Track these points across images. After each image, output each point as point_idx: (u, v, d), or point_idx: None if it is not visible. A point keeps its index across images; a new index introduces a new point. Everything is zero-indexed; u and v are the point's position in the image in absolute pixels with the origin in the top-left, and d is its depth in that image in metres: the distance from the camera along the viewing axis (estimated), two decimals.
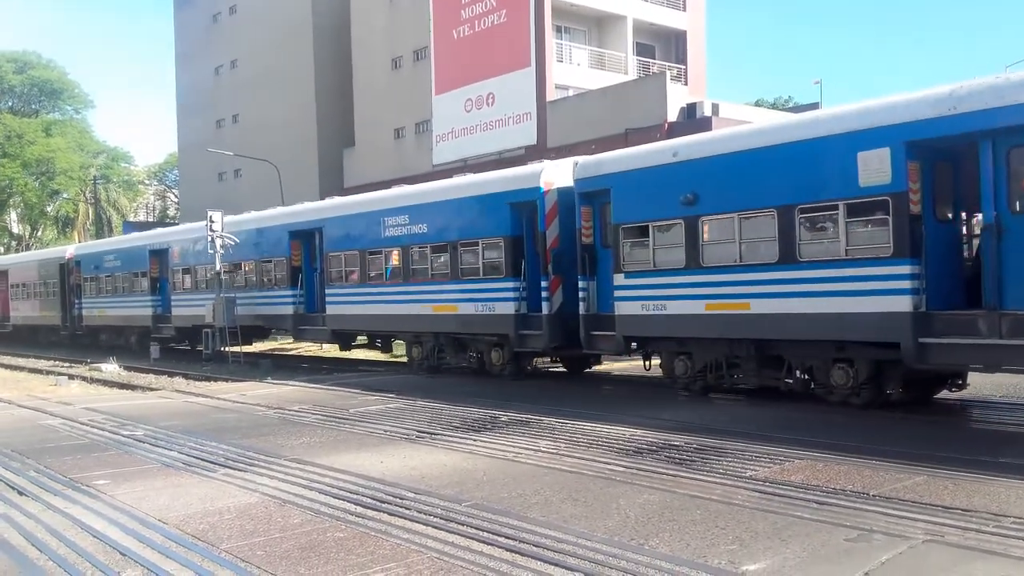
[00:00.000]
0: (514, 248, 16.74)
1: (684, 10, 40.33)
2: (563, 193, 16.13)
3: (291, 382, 18.80)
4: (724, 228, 13.11)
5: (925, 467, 8.31)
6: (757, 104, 53.01)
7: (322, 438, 11.32)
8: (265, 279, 24.12)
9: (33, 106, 72.71)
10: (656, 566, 5.73)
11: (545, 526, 6.73)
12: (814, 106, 33.64)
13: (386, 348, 22.41)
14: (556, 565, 5.81)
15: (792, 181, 12.08)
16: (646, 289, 14.16)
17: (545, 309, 16.12)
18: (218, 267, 24.41)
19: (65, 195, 70.62)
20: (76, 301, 34.37)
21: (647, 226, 14.16)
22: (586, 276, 15.47)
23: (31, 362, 29.55)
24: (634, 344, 15.02)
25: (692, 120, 29.53)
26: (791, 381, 12.94)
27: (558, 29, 37.51)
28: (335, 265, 21.37)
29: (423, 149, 40.89)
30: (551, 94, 35.63)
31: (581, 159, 16.04)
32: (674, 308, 13.70)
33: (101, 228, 66.97)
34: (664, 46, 40.95)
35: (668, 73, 33.84)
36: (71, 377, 23.20)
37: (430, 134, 40.58)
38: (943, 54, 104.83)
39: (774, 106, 54.30)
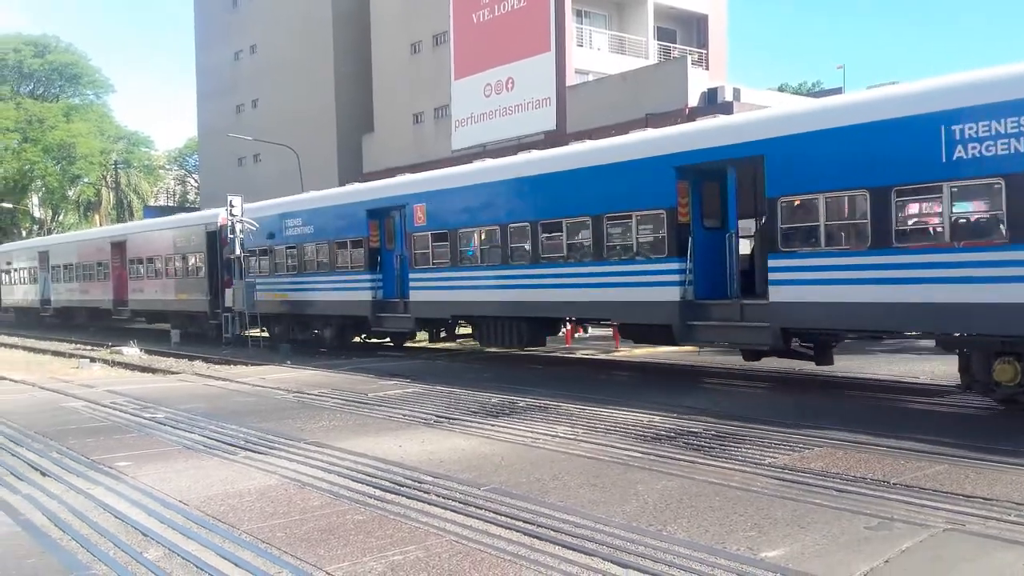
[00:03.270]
0: None
1: None
2: None
3: (309, 367, 18.89)
4: None
5: (946, 456, 8.25)
6: (781, 89, 52.48)
7: (341, 422, 11.37)
8: (615, 245, 14.99)
9: (53, 91, 73.04)
10: (675, 552, 5.72)
11: (563, 511, 6.74)
12: (838, 91, 33.31)
13: (822, 357, 13.62)
14: (574, 550, 5.81)
15: None
16: None
17: None
18: (238, 251, 24.41)
19: (86, 180, 71.03)
20: (237, 280, 26.05)
21: None
22: None
23: (54, 345, 29.82)
24: None
25: (713, 105, 29.30)
26: None
27: (578, 13, 37.27)
28: (804, 216, 12.37)
29: (442, 134, 40.84)
30: (571, 79, 35.43)
31: None
32: None
33: (122, 213, 67.40)
34: (685, 30, 40.61)
35: (689, 57, 33.55)
36: (93, 360, 23.40)
37: (449, 119, 40.50)
38: (969, 38, 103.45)
39: (797, 91, 53.73)
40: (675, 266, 14.00)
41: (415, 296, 19.45)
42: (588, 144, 16.97)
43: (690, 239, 13.94)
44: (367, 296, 20.87)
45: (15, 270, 45.00)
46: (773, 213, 12.57)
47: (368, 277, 20.75)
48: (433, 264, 18.95)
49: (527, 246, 16.64)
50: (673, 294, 13.99)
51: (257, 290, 24.55)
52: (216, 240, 26.93)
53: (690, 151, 13.92)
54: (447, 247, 18.57)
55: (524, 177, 16.99)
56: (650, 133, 16.35)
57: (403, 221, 19.95)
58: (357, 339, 23.70)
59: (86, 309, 37.38)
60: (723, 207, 14.06)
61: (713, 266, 14.02)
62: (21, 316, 44.92)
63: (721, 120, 14.68)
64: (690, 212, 14.13)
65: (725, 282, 13.96)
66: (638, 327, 15.55)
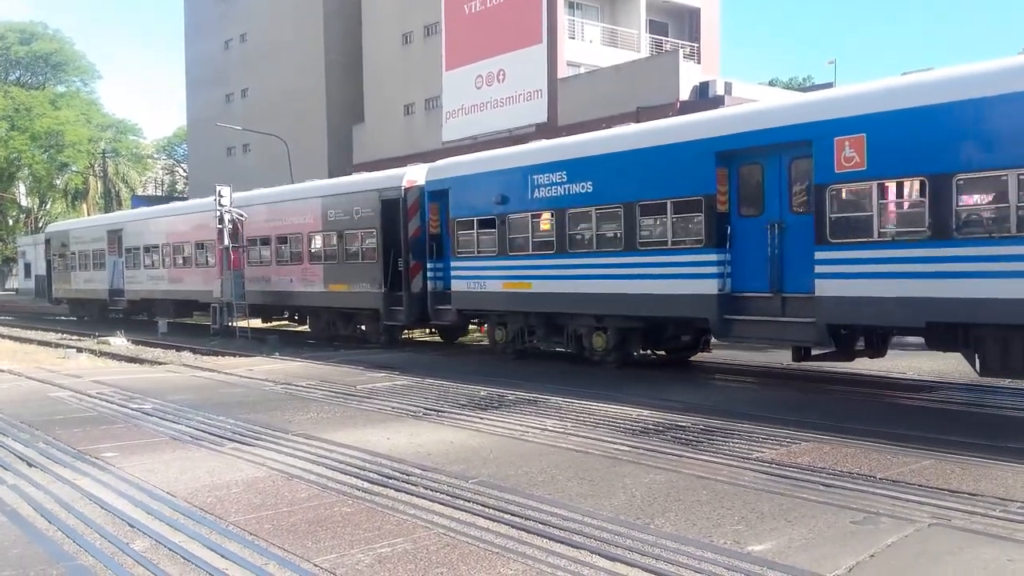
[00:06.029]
0: None
1: None
2: None
3: (298, 358, 18.84)
4: None
5: (932, 451, 8.30)
6: (771, 84, 52.55)
7: (329, 414, 11.35)
8: None
9: (40, 78, 72.56)
10: (662, 545, 5.74)
11: (551, 504, 6.75)
12: (828, 85, 33.34)
13: None
14: (562, 542, 5.83)
15: None
16: None
17: None
18: (226, 242, 24.20)
19: (74, 168, 70.62)
20: (431, 264, 19.23)
21: None
22: None
23: (40, 334, 29.64)
24: None
25: (704, 99, 29.30)
26: None
27: (570, 5, 37.22)
28: None
29: (433, 125, 40.72)
30: (562, 71, 35.37)
31: None
32: None
33: (110, 202, 67.03)
34: (677, 23, 40.61)
35: (681, 51, 33.54)
36: (80, 350, 23.28)
37: (440, 110, 40.39)
38: (963, 29, 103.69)
39: (788, 86, 53.82)
40: None
41: (825, 288, 11.71)
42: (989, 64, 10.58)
43: None
44: (709, 287, 13.34)
45: (72, 254, 36.40)
46: None
47: (713, 258, 13.30)
48: (880, 237, 11.23)
49: None
50: None
51: (461, 276, 18.17)
52: (399, 210, 19.74)
53: None
54: (924, 205, 10.83)
55: None
56: None
57: (788, 168, 12.49)
58: (645, 352, 16.58)
59: (175, 302, 29.71)
60: None
61: None
62: (79, 310, 37.39)
63: None
64: None
65: None
66: None
